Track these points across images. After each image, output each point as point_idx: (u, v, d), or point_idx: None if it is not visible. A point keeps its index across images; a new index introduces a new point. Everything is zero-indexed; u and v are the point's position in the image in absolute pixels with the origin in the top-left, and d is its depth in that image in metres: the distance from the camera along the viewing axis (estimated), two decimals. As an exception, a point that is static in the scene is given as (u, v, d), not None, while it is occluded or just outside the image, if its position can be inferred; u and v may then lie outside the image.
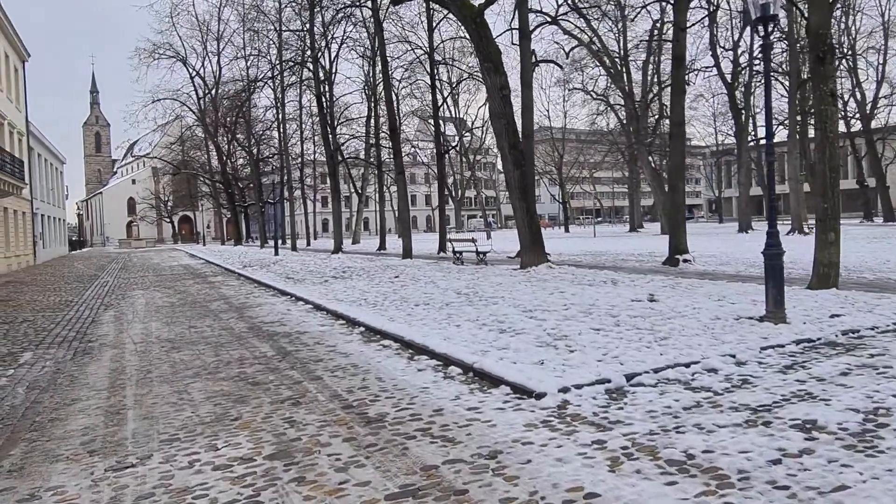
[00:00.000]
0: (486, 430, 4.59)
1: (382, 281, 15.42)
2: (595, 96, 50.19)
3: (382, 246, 36.01)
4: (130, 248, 66.68)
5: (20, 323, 11.66)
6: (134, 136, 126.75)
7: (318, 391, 5.96)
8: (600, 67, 46.06)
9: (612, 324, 7.85)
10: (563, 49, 39.58)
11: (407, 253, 22.33)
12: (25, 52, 33.16)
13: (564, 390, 5.23)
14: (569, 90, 56.62)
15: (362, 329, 9.22)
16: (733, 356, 6.11)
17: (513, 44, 25.38)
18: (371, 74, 37.34)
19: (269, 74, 36.54)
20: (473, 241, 19.83)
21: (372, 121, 42.33)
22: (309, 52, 30.39)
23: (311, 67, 30.56)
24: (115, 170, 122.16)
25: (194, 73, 49.87)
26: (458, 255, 19.81)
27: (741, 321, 7.65)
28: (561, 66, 32.59)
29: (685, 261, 16.71)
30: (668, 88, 49.69)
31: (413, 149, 54.33)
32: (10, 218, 28.36)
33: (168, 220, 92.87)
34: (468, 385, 5.88)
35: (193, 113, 51.67)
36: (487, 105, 16.43)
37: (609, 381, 5.42)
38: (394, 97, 27.00)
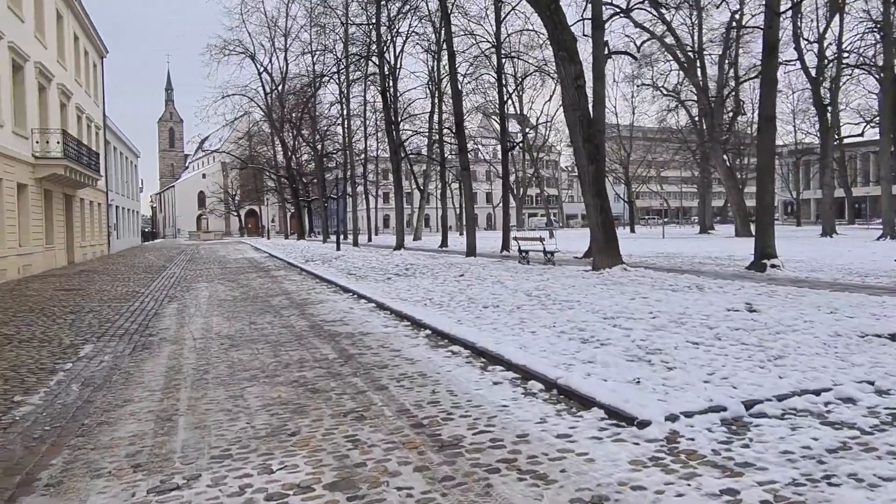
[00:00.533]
0: (582, 465, 3.85)
1: (447, 279, 14.81)
2: (665, 92, 48.24)
3: (444, 243, 35.49)
4: (199, 241, 68.72)
5: (86, 313, 11.62)
6: (204, 131, 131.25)
7: (383, 404, 5.35)
8: (671, 62, 44.22)
9: (712, 337, 6.94)
10: (634, 42, 38.10)
11: (471, 251, 21.68)
12: (104, 48, 34.27)
13: (672, 418, 4.43)
14: (638, 86, 54.74)
15: (428, 332, 8.60)
16: (871, 383, 5.14)
17: (584, 35, 24.43)
18: (435, 69, 36.89)
19: (335, 69, 36.57)
20: (541, 239, 18.98)
21: (435, 116, 41.98)
22: (374, 47, 30.12)
23: (377, 62, 30.28)
24: (186, 164, 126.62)
25: (262, 69, 50.78)
26: (523, 254, 19.01)
27: (868, 339, 6.61)
28: (635, 58, 31.19)
29: (773, 266, 15.39)
30: (746, 83, 47.33)
31: (475, 146, 53.65)
32: (87, 208, 29.31)
33: (235, 213, 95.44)
34: (553, 405, 5.14)
35: (260, 109, 52.63)
36: (560, 97, 15.55)
37: (724, 409, 4.58)
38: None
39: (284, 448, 4.37)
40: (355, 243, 37.11)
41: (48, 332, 9.46)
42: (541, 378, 5.71)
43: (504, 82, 30.52)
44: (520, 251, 19.14)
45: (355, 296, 13.13)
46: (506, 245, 27.63)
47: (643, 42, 39.47)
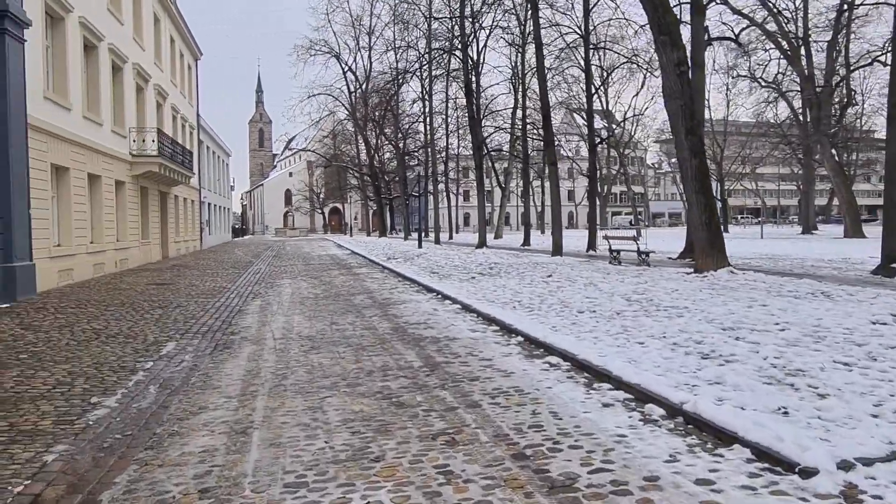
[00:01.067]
0: (739, 528, 3.03)
1: (535, 280, 14.01)
2: (764, 83, 45.05)
3: (527, 241, 34.57)
4: (285, 237, 70.79)
5: (173, 308, 11.64)
6: (290, 130, 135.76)
7: (477, 426, 4.68)
8: (770, 51, 41.24)
9: (864, 356, 5.85)
10: (732, 31, 35.69)
11: (557, 249, 20.72)
12: (198, 50, 35.53)
13: (845, 466, 3.51)
14: (734, 77, 51.50)
15: (520, 339, 7.87)
16: None
17: (681, 21, 22.91)
18: (519, 63, 35.95)
19: (417, 65, 36.33)
20: (635, 239, 17.81)
21: (518, 112, 41.08)
22: (458, 41, 29.58)
23: (460, 56, 29.74)
24: (275, 163, 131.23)
25: (346, 68, 51.44)
26: (615, 254, 17.90)
27: None
28: (739, 43, 29.12)
29: (906, 271, 13.62)
30: (856, 72, 43.44)
31: (557, 143, 52.24)
32: (181, 205, 30.41)
33: (319, 210, 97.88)
34: (682, 437, 4.31)
35: (344, 107, 53.36)
36: (661, 88, 14.38)
37: (914, 457, 3.61)
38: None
39: (366, 477, 3.78)
40: (437, 241, 36.82)
41: (134, 328, 9.41)
42: (661, 401, 4.87)
43: (590, 75, 29.22)
44: (610, 251, 18.04)
45: (439, 296, 12.57)
46: (592, 244, 26.43)
47: (741, 30, 36.92)
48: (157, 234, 25.08)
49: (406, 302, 12.01)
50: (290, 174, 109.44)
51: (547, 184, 61.23)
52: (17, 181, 12.22)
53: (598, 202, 40.48)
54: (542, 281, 13.75)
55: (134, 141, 21.30)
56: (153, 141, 21.61)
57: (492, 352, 7.29)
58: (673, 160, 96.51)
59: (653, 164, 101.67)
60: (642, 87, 44.22)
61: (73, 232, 15.92)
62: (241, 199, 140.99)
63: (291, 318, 10.31)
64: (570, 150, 60.55)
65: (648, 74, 43.39)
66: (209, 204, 41.40)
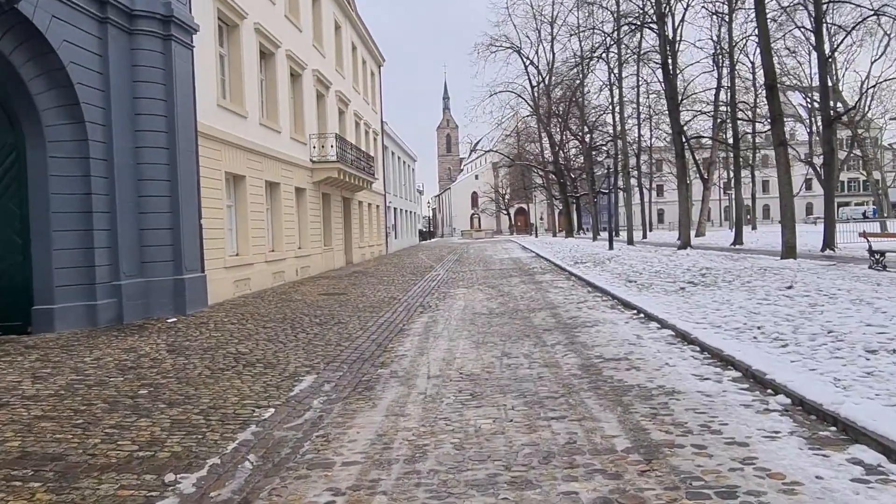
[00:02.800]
0: None
1: (770, 293, 10.69)
2: None
3: (738, 240, 29.68)
4: (471, 239, 70.78)
5: (333, 325, 10.39)
6: (473, 131, 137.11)
7: None
8: None
9: None
10: None
11: (790, 251, 16.60)
12: (381, 56, 35.80)
13: None
14: None
15: (787, 401, 5.08)
16: None
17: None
18: (725, 34, 31.12)
19: (604, 46, 33.07)
20: (911, 236, 13.42)
21: (722, 93, 35.99)
22: (653, 10, 26.01)
23: (655, 29, 26.13)
24: (461, 167, 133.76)
25: (528, 62, 49.32)
26: (877, 257, 13.60)
27: None
28: None
29: None
30: None
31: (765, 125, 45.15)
32: (365, 210, 30.56)
33: (505, 212, 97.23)
34: None
35: (527, 103, 51.32)
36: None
37: None
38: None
39: None
40: (630, 241, 33.22)
41: (279, 353, 8.14)
42: None
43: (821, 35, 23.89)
44: (871, 253, 13.75)
45: (641, 315, 9.88)
46: (829, 243, 21.46)
47: None
48: (340, 241, 25.08)
49: (598, 323, 9.51)
50: (476, 177, 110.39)
51: (758, 172, 53.66)
52: (186, 190, 11.85)
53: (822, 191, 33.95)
54: (781, 294, 10.40)
55: (314, 147, 21.20)
56: (332, 147, 21.35)
57: (747, 427, 4.62)
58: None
59: (891, 144, 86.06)
60: (885, 51, 36.30)
61: (251, 241, 15.71)
62: (429, 203, 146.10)
63: (456, 344, 8.39)
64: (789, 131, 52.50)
65: (894, 35, 35.57)
66: (395, 208, 41.85)
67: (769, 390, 5.36)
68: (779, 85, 40.97)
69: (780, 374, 5.42)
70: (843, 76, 56.18)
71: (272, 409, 5.67)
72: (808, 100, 37.84)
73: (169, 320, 11.12)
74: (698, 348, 7.25)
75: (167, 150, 11.44)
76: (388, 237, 37.19)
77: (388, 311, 12.12)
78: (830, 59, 36.56)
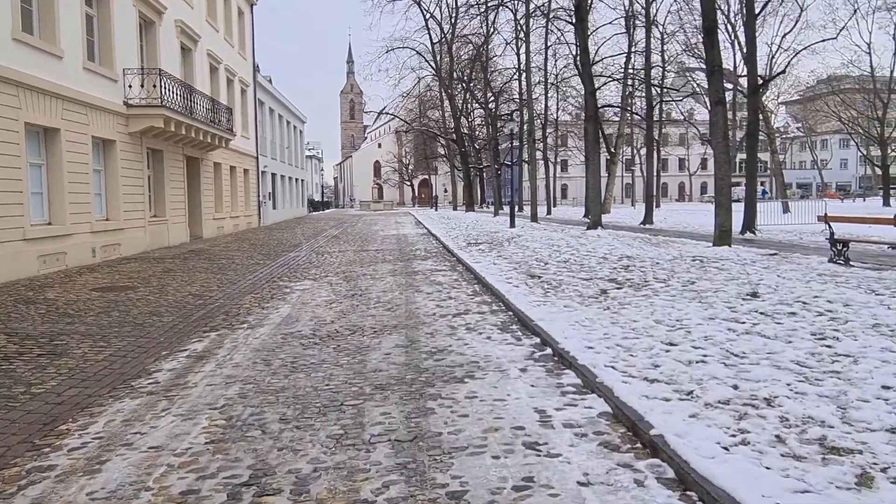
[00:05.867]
0: None
1: (731, 303, 7.19)
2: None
3: (648, 219, 27.06)
4: (368, 211, 65.97)
5: (76, 348, 5.91)
6: (367, 89, 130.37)
7: None
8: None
9: None
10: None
11: (723, 236, 13.43)
12: (252, -7, 30.19)
13: None
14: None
15: None
16: None
17: None
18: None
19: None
20: None
21: (632, 60, 33.36)
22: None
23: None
24: (365, 135, 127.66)
25: (429, 15, 44.48)
26: (839, 248, 10.52)
27: None
28: None
29: None
30: None
31: (671, 100, 43.30)
32: (224, 175, 25.31)
33: (408, 183, 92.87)
34: None
35: (427, 62, 46.78)
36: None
37: None
38: None
39: None
40: (534, 218, 29.91)
41: None
42: None
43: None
44: (833, 242, 10.66)
45: (548, 352, 5.99)
46: (749, 225, 18.91)
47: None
48: (180, 211, 19.94)
49: (476, 370, 5.48)
50: (379, 145, 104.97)
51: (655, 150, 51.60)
52: None
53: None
54: (750, 309, 6.89)
55: (131, 87, 15.97)
56: (154, 86, 16.18)
57: None
58: (798, 125, 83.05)
59: (781, 127, 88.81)
60: (796, 23, 34.61)
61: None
62: (333, 171, 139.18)
63: (244, 392, 4.21)
64: (683, 111, 51.20)
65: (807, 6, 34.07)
66: (273, 174, 36.52)
67: None
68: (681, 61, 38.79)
69: None
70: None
71: None
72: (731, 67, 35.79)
73: None
74: (662, 454, 3.41)
75: None
76: (261, 207, 31.99)
77: (183, 318, 7.83)
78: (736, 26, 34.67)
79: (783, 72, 21.52)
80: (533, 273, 10.86)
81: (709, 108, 18.54)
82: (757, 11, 20.29)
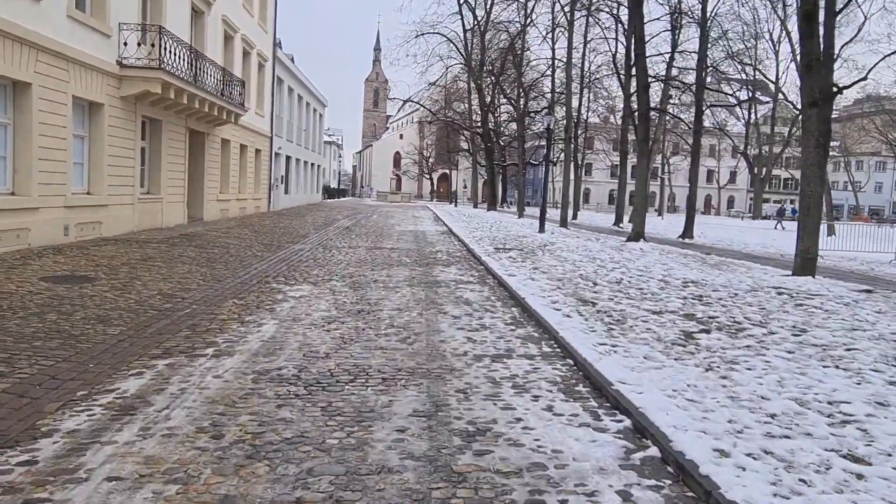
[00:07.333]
0: None
1: (877, 365, 5.07)
2: None
3: (688, 233, 24.82)
4: (385, 202, 63.90)
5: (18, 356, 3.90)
6: (393, 75, 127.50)
7: None
8: None
9: None
10: None
11: (807, 265, 11.25)
12: (278, -39, 28.17)
13: None
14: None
15: None
16: None
17: None
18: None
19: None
20: None
21: (677, 57, 31.09)
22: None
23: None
24: (387, 125, 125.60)
25: (462, 1, 41.99)
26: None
27: None
28: None
29: None
30: None
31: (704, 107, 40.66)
32: (233, 153, 23.36)
33: (428, 176, 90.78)
34: None
35: (458, 50, 44.39)
36: None
37: None
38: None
39: None
40: (563, 223, 27.66)
41: None
42: None
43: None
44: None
45: (642, 439, 3.90)
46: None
47: None
48: (178, 189, 18.02)
49: (542, 486, 3.41)
50: (401, 136, 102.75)
51: (661, 159, 49.44)
52: None
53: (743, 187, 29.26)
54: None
55: (126, 45, 14.03)
56: (152, 45, 14.22)
57: None
58: (836, 143, 79.55)
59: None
60: (858, 32, 31.97)
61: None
62: (353, 159, 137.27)
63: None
64: (716, 121, 48.48)
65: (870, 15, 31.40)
66: (288, 157, 34.59)
67: None
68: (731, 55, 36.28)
69: None
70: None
71: None
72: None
73: None
74: None
75: None
76: (271, 191, 30.06)
77: (90, 348, 5.78)
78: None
79: (864, 78, 19.31)
80: (582, 296, 8.75)
81: (800, 110, 16.21)
82: (838, 8, 17.90)
